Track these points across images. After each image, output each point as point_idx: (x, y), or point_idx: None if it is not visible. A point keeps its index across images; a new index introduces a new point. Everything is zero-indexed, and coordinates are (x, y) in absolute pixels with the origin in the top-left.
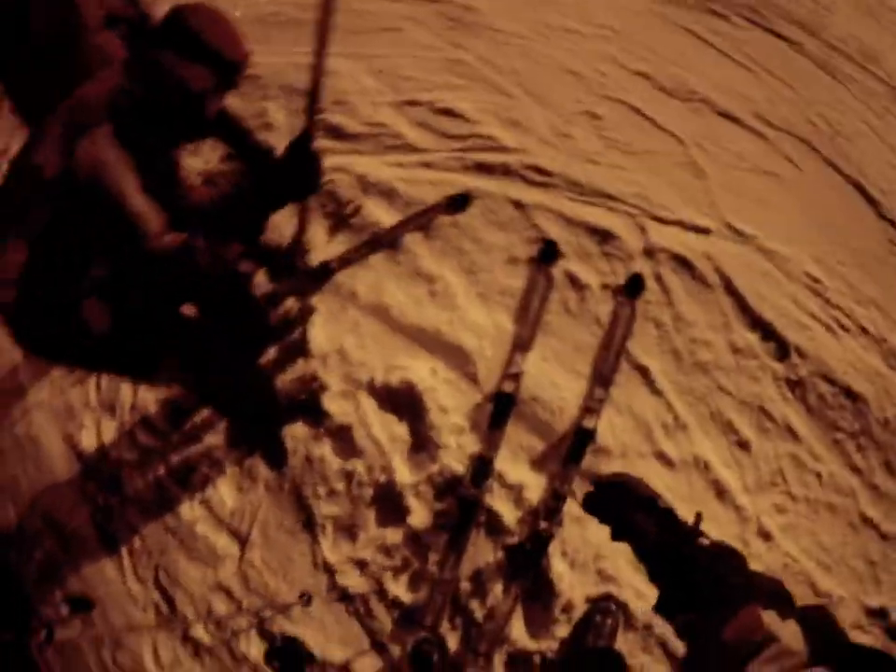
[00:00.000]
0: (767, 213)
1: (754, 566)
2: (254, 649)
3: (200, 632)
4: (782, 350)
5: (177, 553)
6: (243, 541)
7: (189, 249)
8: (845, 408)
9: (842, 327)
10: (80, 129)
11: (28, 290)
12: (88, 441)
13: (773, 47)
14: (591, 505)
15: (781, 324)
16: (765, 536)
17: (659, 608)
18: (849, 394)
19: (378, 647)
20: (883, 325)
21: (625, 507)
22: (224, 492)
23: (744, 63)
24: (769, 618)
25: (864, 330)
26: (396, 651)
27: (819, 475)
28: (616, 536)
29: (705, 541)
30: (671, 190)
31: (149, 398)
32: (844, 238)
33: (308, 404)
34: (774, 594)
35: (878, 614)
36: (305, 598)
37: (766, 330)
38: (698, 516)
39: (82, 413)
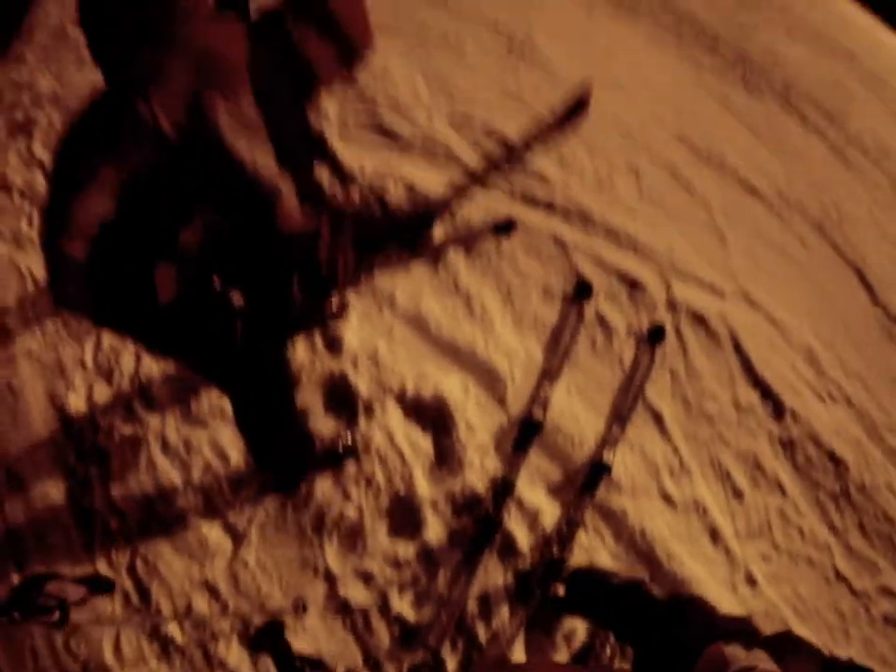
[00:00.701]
0: (777, 284)
1: (739, 610)
2: (233, 655)
3: (173, 629)
4: (778, 411)
5: (161, 542)
6: (238, 538)
7: (316, 235)
8: (828, 470)
9: (831, 396)
10: (215, 86)
11: (103, 247)
12: (75, 404)
13: (797, 130)
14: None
15: (779, 387)
16: (752, 582)
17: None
18: (833, 458)
19: (372, 665)
20: (867, 399)
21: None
22: (225, 482)
23: (771, 142)
24: (733, 651)
25: (850, 402)
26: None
27: (801, 530)
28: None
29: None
30: (696, 252)
31: (154, 369)
32: (841, 317)
33: (340, 457)
34: (738, 631)
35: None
36: (299, 606)
37: (766, 391)
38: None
39: (73, 373)
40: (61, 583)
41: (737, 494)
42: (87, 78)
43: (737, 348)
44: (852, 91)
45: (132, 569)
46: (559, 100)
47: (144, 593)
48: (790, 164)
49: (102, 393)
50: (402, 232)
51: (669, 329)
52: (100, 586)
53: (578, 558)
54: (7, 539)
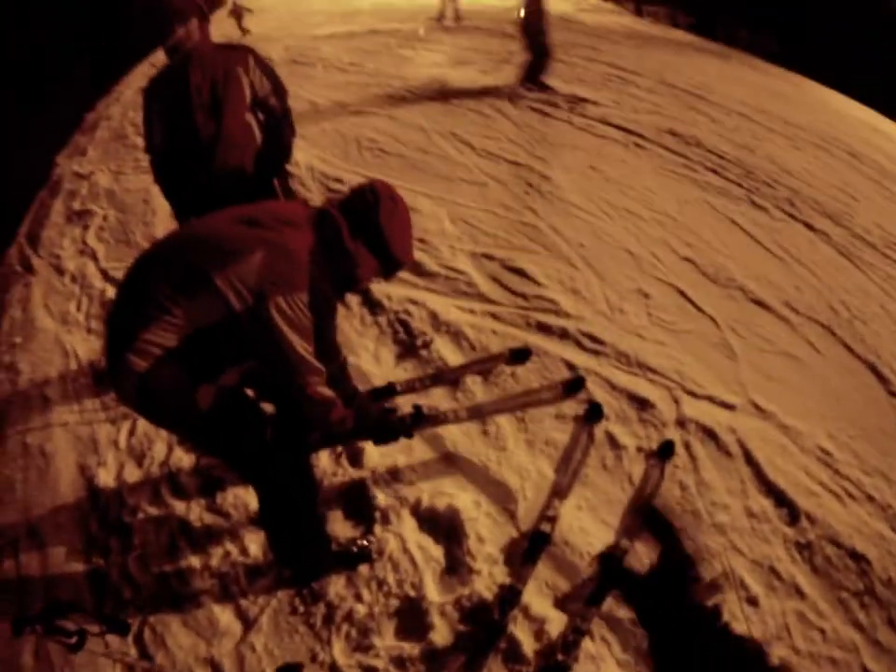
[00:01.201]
0: (788, 391)
1: None
2: None
3: None
4: (793, 515)
5: (171, 616)
6: (248, 623)
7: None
8: (849, 568)
9: (849, 495)
10: (279, 281)
11: (160, 369)
12: (105, 479)
13: (803, 237)
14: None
15: (793, 491)
16: None
17: None
18: (854, 555)
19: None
20: (889, 492)
21: None
22: (241, 571)
23: (777, 252)
24: None
25: (870, 498)
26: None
27: (822, 631)
28: None
29: None
30: (705, 368)
31: (185, 460)
32: (856, 414)
33: (355, 559)
34: None
35: None
36: None
37: (779, 497)
38: None
39: (106, 451)
40: (83, 615)
41: (752, 601)
42: (142, 182)
43: (748, 458)
44: (856, 188)
45: (138, 637)
46: (574, 231)
47: (147, 659)
48: (797, 272)
49: (131, 474)
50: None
51: (679, 444)
52: (117, 627)
53: (583, 667)
54: (17, 588)
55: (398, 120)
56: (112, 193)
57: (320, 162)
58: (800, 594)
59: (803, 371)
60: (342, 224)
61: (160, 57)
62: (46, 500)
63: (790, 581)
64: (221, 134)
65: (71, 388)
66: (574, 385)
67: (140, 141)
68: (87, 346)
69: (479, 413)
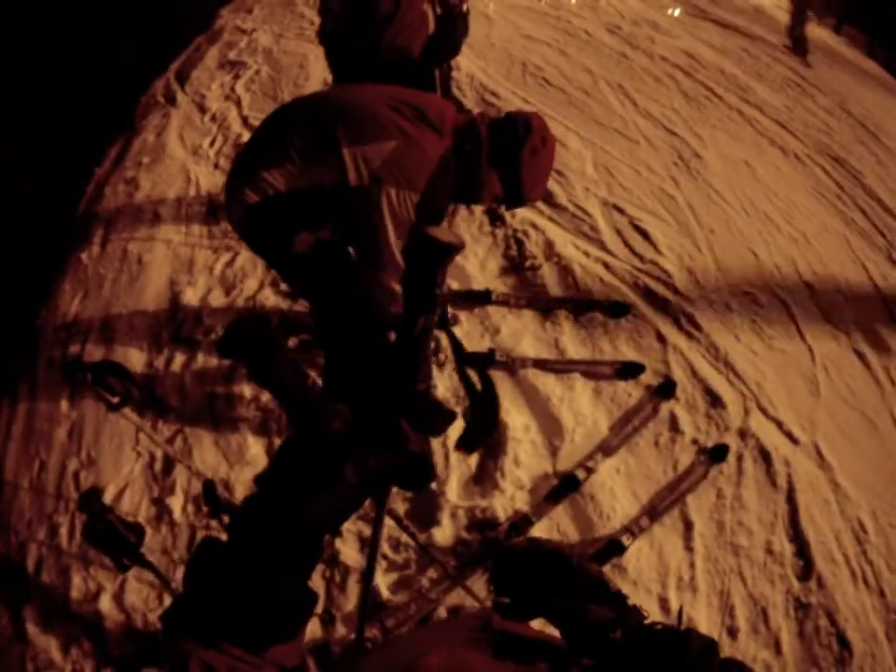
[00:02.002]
0: (854, 451)
1: None
2: None
3: None
4: (806, 572)
5: (207, 432)
6: None
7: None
8: (832, 650)
9: (865, 580)
10: (400, 174)
11: (268, 207)
12: (190, 297)
13: None
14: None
15: (817, 550)
16: None
17: None
18: (842, 640)
19: (327, 618)
20: None
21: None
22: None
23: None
24: None
25: (882, 594)
26: (340, 631)
27: None
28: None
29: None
30: (785, 393)
31: (271, 300)
32: None
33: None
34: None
35: None
36: None
37: (802, 548)
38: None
39: (200, 274)
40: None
41: (732, 632)
42: (301, 48)
43: (790, 497)
44: None
45: (170, 441)
46: (709, 215)
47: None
48: None
49: (216, 299)
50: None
51: (733, 453)
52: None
53: None
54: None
55: (568, 57)
56: (269, 52)
57: (482, 73)
58: (777, 649)
59: (876, 439)
60: (484, 143)
61: None
62: (129, 303)
63: (774, 631)
64: (397, 14)
65: (184, 212)
66: (631, 369)
67: (308, 11)
68: (211, 180)
69: (542, 366)
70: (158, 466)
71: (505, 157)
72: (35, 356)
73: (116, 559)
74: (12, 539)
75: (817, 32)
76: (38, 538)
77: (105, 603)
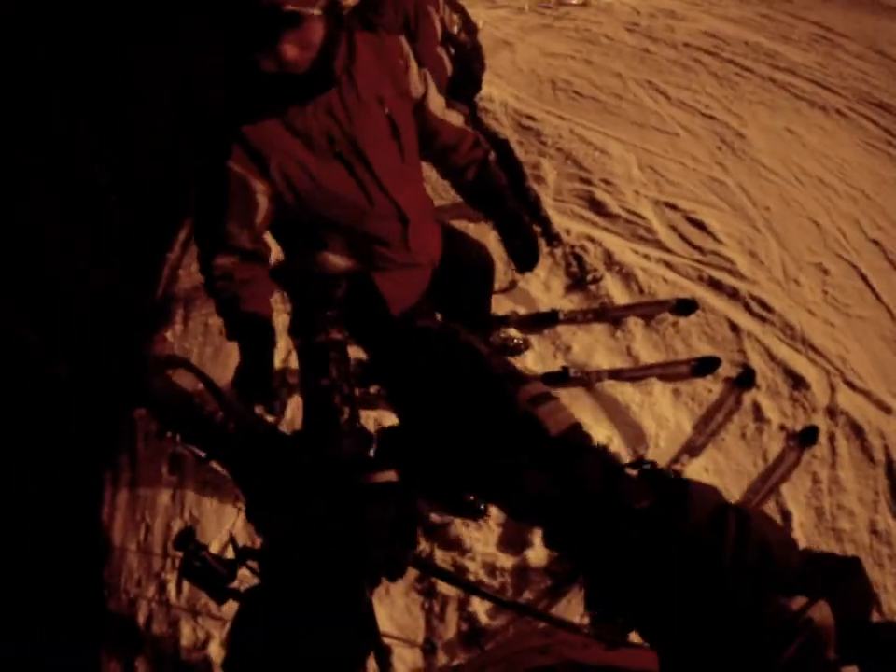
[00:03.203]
0: None
1: None
2: None
3: None
4: None
5: None
6: None
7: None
8: None
9: None
10: None
11: None
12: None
13: None
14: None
15: None
16: None
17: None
18: None
19: (429, 648)
20: None
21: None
22: None
23: None
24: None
25: None
26: (442, 659)
27: None
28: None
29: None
30: (870, 361)
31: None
32: None
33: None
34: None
35: None
36: None
37: None
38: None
39: (280, 336)
40: None
41: None
42: None
43: (889, 469)
44: None
45: None
46: (762, 192)
47: None
48: None
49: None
50: None
51: (823, 433)
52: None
53: None
54: None
55: (594, 65)
56: None
57: (514, 99)
58: None
59: None
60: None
61: None
62: (214, 371)
63: (889, 618)
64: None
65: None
66: (707, 364)
67: None
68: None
69: (617, 376)
70: None
71: None
72: (132, 431)
73: (212, 593)
74: (122, 598)
75: None
76: (147, 595)
77: (214, 649)
